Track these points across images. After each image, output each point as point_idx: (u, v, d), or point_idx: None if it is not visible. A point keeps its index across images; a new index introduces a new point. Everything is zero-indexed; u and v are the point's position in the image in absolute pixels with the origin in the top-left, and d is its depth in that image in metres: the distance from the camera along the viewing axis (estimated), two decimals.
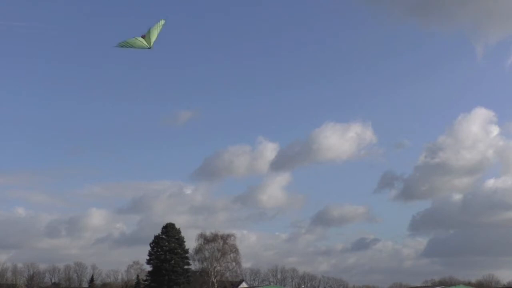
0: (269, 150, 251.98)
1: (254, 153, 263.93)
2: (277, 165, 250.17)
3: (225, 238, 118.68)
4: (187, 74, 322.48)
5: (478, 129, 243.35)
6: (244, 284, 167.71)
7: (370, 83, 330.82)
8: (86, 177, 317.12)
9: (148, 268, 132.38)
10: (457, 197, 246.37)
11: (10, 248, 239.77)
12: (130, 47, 45.26)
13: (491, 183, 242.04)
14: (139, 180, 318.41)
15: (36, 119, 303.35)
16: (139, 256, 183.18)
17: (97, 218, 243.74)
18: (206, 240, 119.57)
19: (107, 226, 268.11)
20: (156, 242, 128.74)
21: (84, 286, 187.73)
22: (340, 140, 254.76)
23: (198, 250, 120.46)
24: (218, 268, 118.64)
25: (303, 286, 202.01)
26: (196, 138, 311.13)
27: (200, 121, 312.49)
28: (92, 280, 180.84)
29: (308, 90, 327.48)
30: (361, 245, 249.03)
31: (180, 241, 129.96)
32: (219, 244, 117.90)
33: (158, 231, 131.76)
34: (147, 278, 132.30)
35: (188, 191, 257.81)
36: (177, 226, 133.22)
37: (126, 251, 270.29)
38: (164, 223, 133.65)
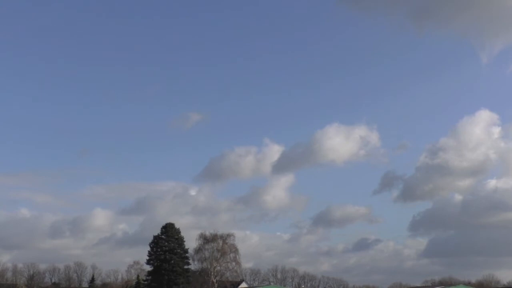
0: (274, 152, 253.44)
1: (259, 154, 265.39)
2: (281, 166, 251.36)
3: (224, 238, 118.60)
4: (196, 76, 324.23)
5: (481, 131, 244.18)
6: (244, 284, 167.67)
7: (373, 85, 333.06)
8: (90, 178, 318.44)
9: (148, 268, 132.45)
10: (458, 197, 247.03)
11: (13, 249, 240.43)
12: None
13: (491, 184, 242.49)
14: (144, 181, 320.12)
15: (40, 120, 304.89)
16: (141, 256, 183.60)
17: (100, 218, 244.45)
18: (206, 240, 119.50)
19: (110, 226, 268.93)
20: (156, 242, 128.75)
21: (84, 286, 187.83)
22: (342, 141, 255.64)
23: (198, 250, 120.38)
24: (218, 268, 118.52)
25: (303, 286, 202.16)
26: (204, 140, 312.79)
27: (209, 123, 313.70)
28: (92, 280, 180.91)
29: (313, 92, 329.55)
30: (362, 245, 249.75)
31: (180, 241, 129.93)
32: (218, 244, 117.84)
33: (159, 231, 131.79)
34: (147, 278, 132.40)
35: (192, 192, 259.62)
36: (178, 226, 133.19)
37: (128, 251, 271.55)
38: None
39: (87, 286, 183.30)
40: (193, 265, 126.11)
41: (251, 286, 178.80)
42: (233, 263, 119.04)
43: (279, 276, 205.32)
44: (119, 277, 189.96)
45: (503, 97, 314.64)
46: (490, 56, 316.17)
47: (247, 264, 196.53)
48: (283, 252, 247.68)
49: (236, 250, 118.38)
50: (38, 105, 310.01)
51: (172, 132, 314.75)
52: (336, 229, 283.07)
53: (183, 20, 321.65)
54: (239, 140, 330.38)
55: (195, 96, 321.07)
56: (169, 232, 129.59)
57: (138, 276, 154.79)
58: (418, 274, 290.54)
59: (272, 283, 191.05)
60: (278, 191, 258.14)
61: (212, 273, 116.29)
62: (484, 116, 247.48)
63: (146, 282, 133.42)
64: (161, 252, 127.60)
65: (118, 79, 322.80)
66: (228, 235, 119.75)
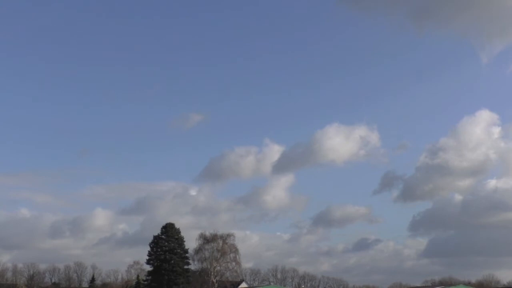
0: (274, 152, 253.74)
1: (259, 154, 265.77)
2: (281, 166, 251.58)
3: (224, 238, 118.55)
4: (196, 76, 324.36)
5: (481, 131, 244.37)
6: (244, 284, 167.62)
7: (373, 85, 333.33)
8: (90, 178, 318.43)
9: (148, 268, 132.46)
10: (458, 197, 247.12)
11: (13, 249, 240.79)
12: None
13: (491, 184, 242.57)
14: (144, 181, 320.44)
15: (40, 120, 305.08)
16: (142, 256, 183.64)
17: (100, 218, 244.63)
18: (206, 240, 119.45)
19: (110, 226, 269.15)
20: (156, 242, 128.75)
21: (84, 286, 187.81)
22: (342, 141, 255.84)
23: (198, 250, 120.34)
24: (218, 268, 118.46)
25: (303, 286, 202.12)
26: (204, 140, 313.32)
27: (209, 123, 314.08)
28: (93, 280, 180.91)
29: (313, 92, 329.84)
30: (362, 245, 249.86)
31: (180, 241, 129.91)
32: (218, 244, 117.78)
33: (159, 231, 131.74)
34: (147, 278, 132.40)
35: (192, 192, 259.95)
36: (178, 226, 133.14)
37: (128, 251, 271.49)
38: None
39: (87, 286, 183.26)
40: (193, 265, 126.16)
41: (251, 286, 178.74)
42: (233, 263, 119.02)
43: (279, 276, 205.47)
44: (119, 277, 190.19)
45: (503, 97, 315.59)
46: (490, 56, 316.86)
47: (247, 264, 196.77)
48: (283, 252, 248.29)
49: (236, 250, 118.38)
50: (38, 105, 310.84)
51: (172, 132, 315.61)
52: (336, 229, 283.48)
53: (183, 20, 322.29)
54: (239, 140, 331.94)
55: (195, 96, 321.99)
56: (169, 232, 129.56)
57: (138, 276, 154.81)
58: (418, 274, 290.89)
59: (272, 283, 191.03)
60: (278, 191, 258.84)
61: (212, 273, 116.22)
62: (484, 116, 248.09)
63: (146, 282, 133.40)
64: (161, 252, 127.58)
65: (118, 79, 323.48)
66: (228, 235, 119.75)
